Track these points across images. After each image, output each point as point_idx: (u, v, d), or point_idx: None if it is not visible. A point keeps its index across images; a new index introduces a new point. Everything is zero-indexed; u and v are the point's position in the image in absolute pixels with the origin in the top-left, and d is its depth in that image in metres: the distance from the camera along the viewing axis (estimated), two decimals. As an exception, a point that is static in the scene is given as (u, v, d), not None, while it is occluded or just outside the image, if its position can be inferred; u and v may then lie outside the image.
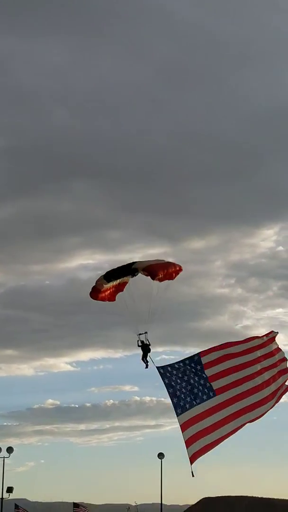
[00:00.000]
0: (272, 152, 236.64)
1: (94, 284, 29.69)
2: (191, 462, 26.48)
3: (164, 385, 27.26)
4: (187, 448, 25.15)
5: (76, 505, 62.01)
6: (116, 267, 30.30)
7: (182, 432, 24.81)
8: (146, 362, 29.69)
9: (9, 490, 61.80)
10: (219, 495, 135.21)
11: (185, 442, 25.42)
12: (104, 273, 29.77)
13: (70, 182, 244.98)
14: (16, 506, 61.38)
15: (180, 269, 30.31)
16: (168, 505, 67.80)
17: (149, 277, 28.06)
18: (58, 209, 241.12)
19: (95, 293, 29.70)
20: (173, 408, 26.05)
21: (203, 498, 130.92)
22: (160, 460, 61.66)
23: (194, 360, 27.45)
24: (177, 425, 25.64)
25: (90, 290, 29.20)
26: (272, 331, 31.26)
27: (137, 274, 29.73)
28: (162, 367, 27.37)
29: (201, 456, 25.77)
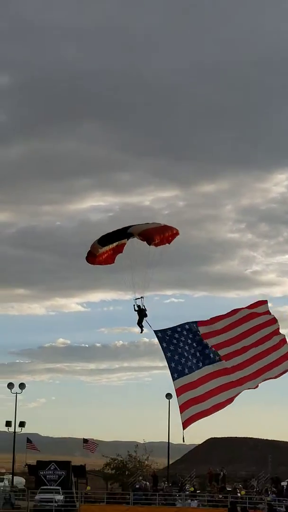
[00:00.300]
0: (286, 94, 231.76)
1: (89, 249, 29.70)
2: (184, 427, 26.70)
3: (161, 349, 27.53)
4: (181, 413, 25.13)
5: (85, 441, 63.62)
6: (111, 231, 30.16)
7: (177, 397, 24.95)
8: (141, 327, 30.04)
9: (21, 424, 63.62)
10: (225, 436, 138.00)
11: (179, 407, 25.10)
12: (98, 238, 29.76)
13: (79, 123, 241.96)
14: (28, 440, 63.17)
15: (177, 233, 30.01)
16: (175, 444, 69.55)
17: (145, 242, 27.92)
18: (67, 150, 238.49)
19: (91, 257, 29.55)
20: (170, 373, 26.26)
21: (209, 438, 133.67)
22: (168, 400, 63.14)
23: (193, 328, 27.54)
24: None
25: (86, 255, 29.19)
26: (260, 300, 30.70)
27: (132, 238, 29.63)
28: (160, 331, 27.43)
29: (194, 422, 25.95)
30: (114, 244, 28.59)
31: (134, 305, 26.50)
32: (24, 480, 70.72)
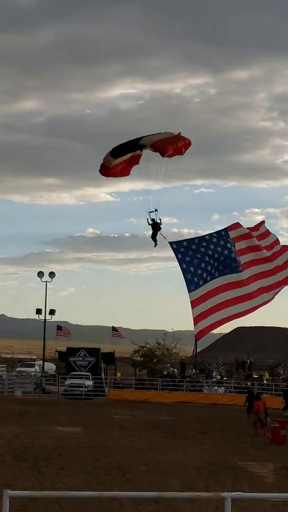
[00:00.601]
0: None
1: (102, 161, 28.82)
2: (197, 339, 26.19)
3: (177, 260, 26.43)
4: (194, 325, 24.61)
5: (114, 329, 64.44)
6: (123, 142, 29.10)
7: (192, 309, 24.27)
8: (155, 241, 29.17)
9: (51, 312, 64.51)
10: (252, 326, 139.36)
11: (193, 319, 24.71)
12: (110, 149, 28.74)
13: (110, 7, 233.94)
14: (59, 327, 64.17)
15: (190, 143, 28.91)
16: (203, 332, 70.16)
17: (157, 153, 26.89)
18: (97, 35, 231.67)
19: (104, 170, 28.61)
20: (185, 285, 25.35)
21: (236, 328, 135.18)
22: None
23: (222, 234, 26.39)
24: None
25: (99, 167, 28.32)
26: (260, 222, 29.35)
27: (145, 150, 28.55)
28: (176, 242, 26.49)
29: (207, 334, 25.54)
30: (128, 156, 27.80)
31: (147, 219, 25.45)
32: (55, 366, 72.22)
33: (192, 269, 25.05)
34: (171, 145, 26.33)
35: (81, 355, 56.37)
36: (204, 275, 25.41)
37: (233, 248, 26.52)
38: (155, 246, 27.19)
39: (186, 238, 28.01)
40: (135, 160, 27.63)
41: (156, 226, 27.88)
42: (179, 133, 27.49)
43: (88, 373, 53.89)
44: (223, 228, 27.37)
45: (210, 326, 25.03)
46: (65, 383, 52.40)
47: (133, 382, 55.79)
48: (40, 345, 67.25)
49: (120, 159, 27.38)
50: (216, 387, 51.17)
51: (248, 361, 57.22)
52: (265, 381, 52.42)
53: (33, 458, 22.22)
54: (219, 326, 24.86)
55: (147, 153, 27.48)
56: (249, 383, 50.62)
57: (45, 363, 67.47)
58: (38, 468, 20.34)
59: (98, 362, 56.36)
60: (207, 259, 26.16)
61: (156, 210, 27.08)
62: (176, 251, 25.67)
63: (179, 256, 25.41)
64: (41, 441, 26.37)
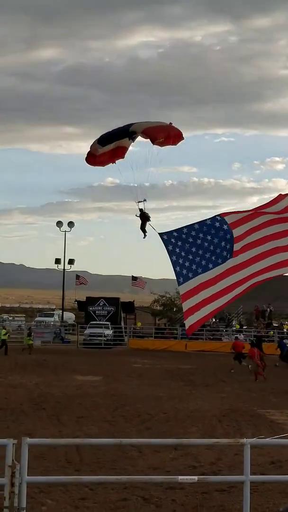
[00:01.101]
0: None
1: (89, 149, 28.51)
2: (188, 334, 25.92)
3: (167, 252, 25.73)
4: (184, 320, 23.96)
5: (134, 278, 64.42)
6: (111, 130, 28.69)
7: (182, 303, 23.51)
8: (144, 232, 28.60)
9: (70, 262, 64.52)
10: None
11: (184, 314, 24.02)
12: (98, 137, 28.29)
13: None
14: (77, 277, 64.23)
15: (181, 135, 28.44)
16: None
17: (148, 140, 26.37)
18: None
19: (90, 157, 28.16)
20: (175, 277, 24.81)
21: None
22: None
23: (217, 219, 25.05)
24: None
25: (86, 155, 28.02)
26: (281, 194, 28.08)
27: (135, 138, 27.98)
28: (166, 233, 25.79)
29: (197, 328, 25.09)
30: (115, 145, 27.45)
31: (137, 210, 24.79)
32: (74, 316, 72.66)
33: (181, 261, 24.37)
34: (162, 133, 25.95)
35: (101, 304, 56.49)
36: (194, 267, 24.84)
37: (227, 235, 25.75)
38: (144, 238, 26.85)
39: (175, 229, 27.45)
40: (119, 153, 27.36)
41: (145, 216, 27.53)
42: (170, 123, 27.21)
43: (107, 323, 54.07)
44: (216, 214, 26.57)
45: (201, 319, 24.72)
46: (85, 332, 52.63)
47: (153, 331, 55.93)
48: (59, 295, 67.46)
49: (107, 147, 27.14)
50: (236, 336, 51.21)
51: (268, 310, 57.06)
52: (285, 330, 52.35)
53: (52, 407, 22.24)
54: (210, 317, 25.05)
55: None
56: (269, 332, 50.56)
57: (64, 312, 67.78)
58: (57, 417, 20.34)
59: (118, 312, 56.51)
60: (194, 250, 25.45)
61: (144, 200, 26.81)
62: (166, 243, 25.16)
63: (170, 248, 24.83)
64: (60, 390, 26.42)
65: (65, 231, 64.08)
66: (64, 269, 63.97)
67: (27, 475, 8.22)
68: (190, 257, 26.89)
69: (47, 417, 20.29)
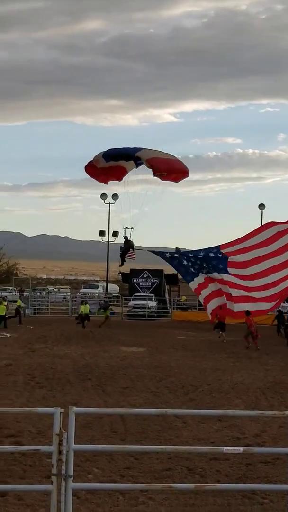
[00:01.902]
0: None
1: (91, 159, 28.42)
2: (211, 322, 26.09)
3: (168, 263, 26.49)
4: (206, 310, 24.10)
5: (177, 250, 64.31)
6: (119, 148, 28.40)
7: (198, 297, 23.82)
8: (123, 260, 29.04)
9: (115, 234, 64.65)
10: None
11: (203, 304, 24.21)
12: (105, 151, 28.08)
13: None
14: (121, 249, 64.36)
15: (187, 173, 28.39)
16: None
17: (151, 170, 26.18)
18: None
19: (90, 167, 28.32)
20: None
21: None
22: (260, 210, 62.58)
23: (213, 250, 25.20)
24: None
25: (86, 164, 28.02)
26: None
27: (140, 164, 27.75)
28: (161, 253, 26.40)
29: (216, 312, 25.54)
30: (116, 164, 27.52)
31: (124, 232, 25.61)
32: (118, 288, 73.00)
33: (182, 269, 25.31)
34: (166, 166, 26.01)
35: (145, 276, 56.67)
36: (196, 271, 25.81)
37: (223, 261, 26.09)
38: (121, 266, 27.79)
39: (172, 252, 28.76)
40: (121, 172, 27.52)
41: (129, 245, 28.05)
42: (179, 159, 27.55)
43: (151, 294, 54.25)
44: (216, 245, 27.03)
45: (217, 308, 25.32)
46: (129, 304, 52.89)
47: (197, 303, 55.96)
48: (104, 267, 67.80)
49: (109, 163, 27.33)
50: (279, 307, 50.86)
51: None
52: None
53: (97, 377, 22.49)
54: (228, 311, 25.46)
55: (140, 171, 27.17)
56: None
57: (108, 284, 68.16)
58: (102, 387, 20.58)
59: (162, 283, 56.63)
60: (197, 265, 26.31)
61: (132, 228, 27.47)
62: (170, 261, 26.39)
63: (174, 263, 25.98)
64: (105, 361, 26.68)
65: (109, 203, 64.15)
66: (108, 241, 64.18)
67: (74, 444, 8.35)
68: (196, 266, 27.11)
69: (92, 387, 20.54)
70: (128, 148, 27.75)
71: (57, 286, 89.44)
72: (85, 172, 28.28)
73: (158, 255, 29.00)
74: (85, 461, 11.99)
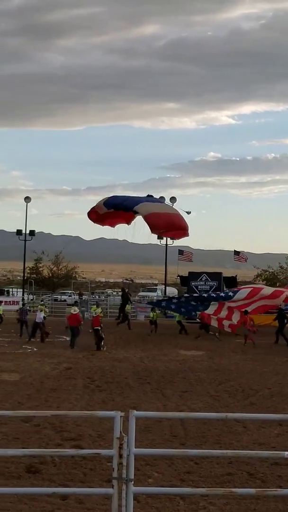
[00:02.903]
0: None
1: (94, 205, 29.28)
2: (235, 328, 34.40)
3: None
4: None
5: (236, 252, 63.91)
6: (122, 195, 28.98)
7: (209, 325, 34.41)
8: (123, 313, 31.49)
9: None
10: None
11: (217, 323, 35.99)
12: (106, 198, 28.67)
13: None
14: (180, 252, 64.32)
15: (186, 234, 30.13)
16: None
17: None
18: None
19: (94, 214, 29.51)
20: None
21: None
22: None
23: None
24: None
25: (89, 211, 28.98)
26: None
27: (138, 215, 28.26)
28: (156, 303, 32.41)
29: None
30: (119, 212, 28.50)
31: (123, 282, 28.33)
32: (176, 291, 72.88)
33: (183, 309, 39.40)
34: (164, 223, 26.87)
35: (203, 279, 56.44)
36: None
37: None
38: (117, 324, 31.89)
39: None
40: (125, 217, 28.79)
41: (127, 297, 30.47)
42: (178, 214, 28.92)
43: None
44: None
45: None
46: (187, 307, 52.73)
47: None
48: (162, 270, 67.83)
49: (109, 211, 28.36)
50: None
51: None
52: None
53: (156, 381, 22.51)
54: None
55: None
56: None
57: (167, 287, 68.17)
58: (161, 391, 20.58)
59: (220, 286, 56.34)
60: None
61: (132, 280, 30.04)
62: (164, 308, 36.18)
63: (173, 307, 37.79)
64: (164, 364, 26.69)
65: (167, 206, 64.20)
66: (166, 244, 64.20)
67: (134, 447, 8.38)
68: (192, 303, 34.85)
69: (151, 391, 20.57)
70: (129, 198, 28.62)
71: (115, 290, 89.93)
72: (88, 218, 29.91)
73: (154, 305, 35.70)
74: (145, 465, 12.01)
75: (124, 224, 30.33)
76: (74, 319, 33.44)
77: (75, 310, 35.24)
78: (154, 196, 43.71)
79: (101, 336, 31.26)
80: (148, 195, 31.40)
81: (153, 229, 27.63)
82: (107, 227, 31.33)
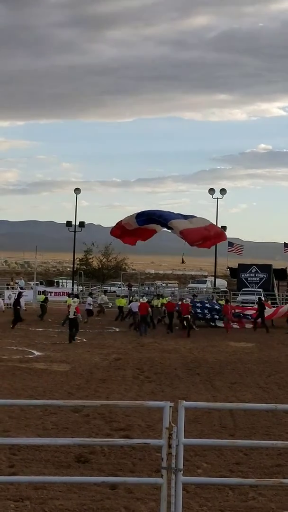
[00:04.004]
0: None
1: (122, 221, 30.02)
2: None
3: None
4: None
5: (286, 245, 63.41)
6: (153, 211, 29.72)
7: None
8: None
9: (223, 229, 64.43)
10: None
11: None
12: (138, 213, 29.25)
13: None
14: (230, 244, 64.07)
15: (224, 238, 32.31)
16: None
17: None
18: None
19: (116, 229, 30.27)
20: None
21: None
22: None
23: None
24: None
25: (115, 226, 29.83)
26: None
27: (169, 228, 29.64)
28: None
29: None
30: (151, 226, 29.72)
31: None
32: (226, 283, 72.64)
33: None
34: (200, 236, 28.59)
35: (253, 271, 56.17)
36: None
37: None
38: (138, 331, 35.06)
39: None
40: (150, 233, 30.18)
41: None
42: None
43: (259, 289, 53.69)
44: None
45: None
46: (237, 299, 52.52)
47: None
48: (212, 262, 67.61)
49: (144, 226, 29.54)
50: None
51: None
52: None
53: (205, 372, 22.49)
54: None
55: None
56: None
57: (216, 279, 67.95)
58: (210, 382, 20.56)
59: (270, 278, 55.97)
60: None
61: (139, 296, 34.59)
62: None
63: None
64: (213, 355, 26.64)
65: (217, 198, 63.97)
66: (216, 236, 63.88)
67: (183, 438, 8.38)
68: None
69: (200, 382, 20.56)
70: (161, 214, 29.86)
71: (165, 281, 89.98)
72: (111, 234, 31.05)
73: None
74: (194, 455, 12.02)
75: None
76: (144, 308, 34.91)
77: (143, 299, 37.23)
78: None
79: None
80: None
81: (191, 243, 29.23)
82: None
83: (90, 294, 46.66)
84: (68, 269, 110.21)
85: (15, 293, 43.36)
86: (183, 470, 8.41)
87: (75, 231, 63.72)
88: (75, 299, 33.00)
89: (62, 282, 73.77)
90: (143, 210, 31.13)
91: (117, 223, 30.91)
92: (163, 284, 75.80)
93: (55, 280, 76.95)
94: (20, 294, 39.32)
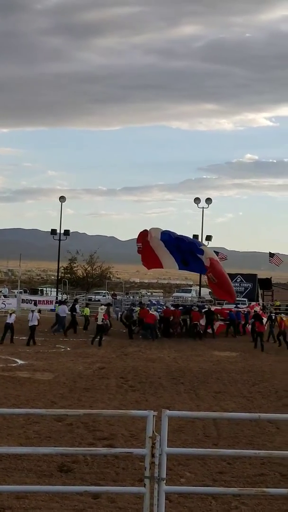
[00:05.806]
0: None
1: (160, 259, 33.78)
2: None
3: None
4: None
5: (271, 255, 63.63)
6: (184, 236, 33.17)
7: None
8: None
9: (208, 238, 64.46)
10: None
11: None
12: (164, 230, 32.18)
13: None
14: (215, 253, 64.11)
15: (232, 301, 36.55)
16: None
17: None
18: None
19: (151, 266, 35.27)
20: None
21: None
22: None
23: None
24: None
25: (150, 264, 34.00)
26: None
27: (183, 268, 37.55)
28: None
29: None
30: (164, 258, 33.78)
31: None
32: (211, 292, 72.69)
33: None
34: (222, 279, 32.72)
35: (238, 281, 56.28)
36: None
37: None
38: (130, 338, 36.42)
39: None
40: (159, 264, 38.07)
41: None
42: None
43: (244, 299, 53.81)
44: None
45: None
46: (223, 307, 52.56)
47: (291, 308, 55.13)
48: (196, 271, 67.64)
49: (164, 251, 32.80)
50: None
51: None
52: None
53: (189, 381, 22.47)
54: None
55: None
56: None
57: (201, 288, 67.99)
58: (194, 391, 20.54)
59: (255, 288, 56.12)
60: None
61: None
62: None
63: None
64: (197, 365, 26.63)
65: (203, 208, 64.09)
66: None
67: (167, 447, 8.37)
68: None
69: (184, 391, 20.54)
70: (193, 243, 32.79)
71: (150, 290, 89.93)
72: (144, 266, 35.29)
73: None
74: (178, 464, 11.99)
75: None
76: (151, 317, 36.59)
77: (152, 310, 38.42)
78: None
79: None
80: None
81: (211, 273, 31.78)
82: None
83: (76, 301, 46.42)
84: (53, 277, 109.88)
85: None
86: (166, 479, 8.40)
87: (60, 239, 63.53)
88: (103, 307, 35.82)
89: (46, 291, 73.52)
90: (166, 230, 33.73)
91: (144, 231, 33.20)
92: (148, 293, 75.72)
93: (39, 289, 76.67)
94: (76, 300, 44.54)
